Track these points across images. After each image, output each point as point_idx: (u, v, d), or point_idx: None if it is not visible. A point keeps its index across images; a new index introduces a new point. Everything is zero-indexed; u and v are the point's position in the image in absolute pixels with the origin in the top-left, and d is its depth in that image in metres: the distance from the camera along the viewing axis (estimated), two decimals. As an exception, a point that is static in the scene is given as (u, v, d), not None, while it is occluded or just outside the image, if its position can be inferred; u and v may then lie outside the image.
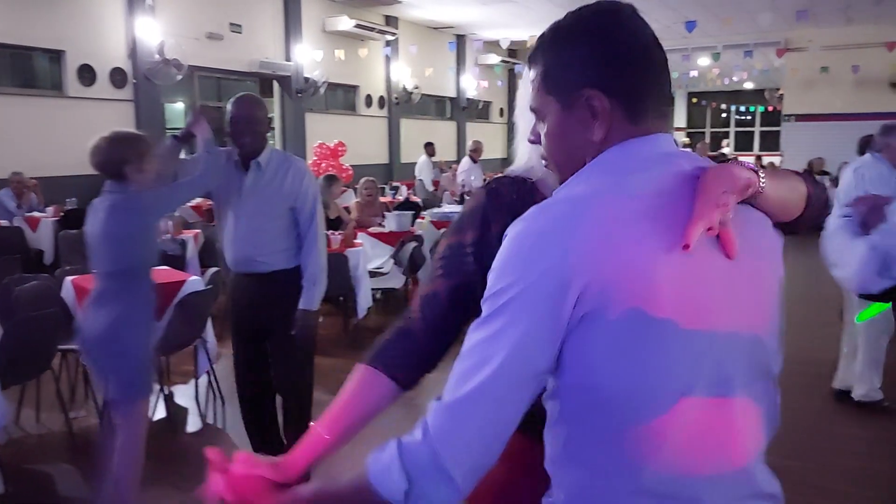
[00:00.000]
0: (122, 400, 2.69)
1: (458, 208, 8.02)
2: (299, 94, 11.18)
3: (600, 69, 0.93)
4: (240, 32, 10.11)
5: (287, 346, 3.00)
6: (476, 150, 9.77)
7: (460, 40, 15.49)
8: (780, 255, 1.00)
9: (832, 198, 0.74)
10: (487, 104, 18.24)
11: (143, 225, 2.67)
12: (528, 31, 13.52)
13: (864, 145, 5.41)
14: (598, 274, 0.82)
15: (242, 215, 2.95)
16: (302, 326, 2.95)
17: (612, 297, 0.82)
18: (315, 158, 10.44)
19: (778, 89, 17.44)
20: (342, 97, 12.96)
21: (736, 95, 20.94)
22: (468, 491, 0.87)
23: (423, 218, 7.54)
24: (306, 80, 11.23)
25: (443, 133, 15.75)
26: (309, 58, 11.25)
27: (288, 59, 11.01)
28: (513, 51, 17.44)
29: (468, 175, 9.70)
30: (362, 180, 7.09)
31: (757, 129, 21.72)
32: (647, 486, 0.87)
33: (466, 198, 9.02)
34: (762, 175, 0.94)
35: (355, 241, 5.96)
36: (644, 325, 0.82)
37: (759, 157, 17.07)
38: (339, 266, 5.42)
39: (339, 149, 10.48)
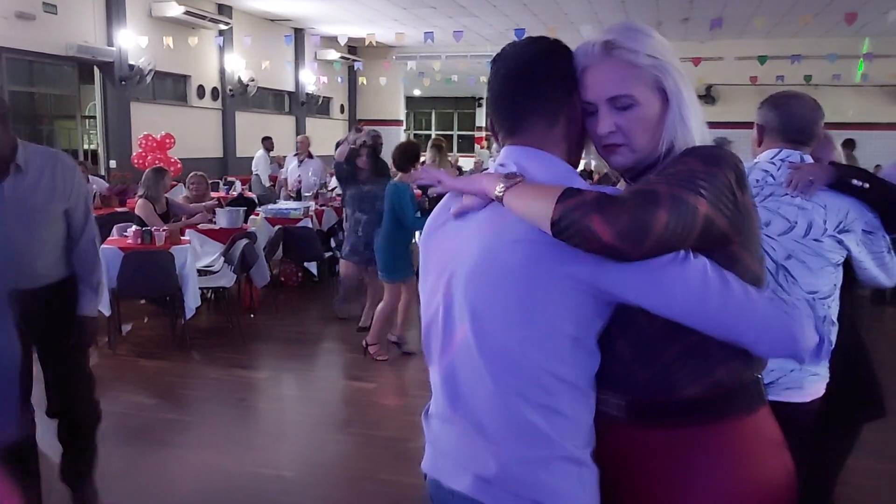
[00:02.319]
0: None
1: (294, 205, 7.92)
2: (123, 82, 10.50)
3: None
4: (54, 13, 9.32)
5: (64, 360, 2.73)
6: (303, 143, 9.77)
7: (298, 34, 15.22)
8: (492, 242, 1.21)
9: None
10: (328, 100, 18.07)
11: None
12: (366, 28, 13.55)
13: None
14: None
15: (11, 226, 2.57)
16: (85, 334, 2.71)
17: None
18: (140, 150, 9.86)
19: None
20: (172, 87, 12.32)
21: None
22: None
23: (257, 214, 7.37)
24: (131, 67, 10.56)
25: (281, 127, 15.42)
26: (134, 44, 10.58)
27: (110, 45, 10.30)
28: (353, 47, 17.41)
29: (305, 169, 9.62)
30: (191, 175, 6.81)
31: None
32: None
33: (305, 194, 8.98)
34: (500, 189, 1.17)
35: (182, 237, 5.72)
36: None
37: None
38: (164, 264, 5.19)
39: (167, 141, 9.95)
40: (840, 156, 2.49)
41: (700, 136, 1.24)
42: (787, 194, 2.00)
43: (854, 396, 2.13)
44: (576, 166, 1.31)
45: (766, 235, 1.97)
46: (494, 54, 1.31)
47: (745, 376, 1.21)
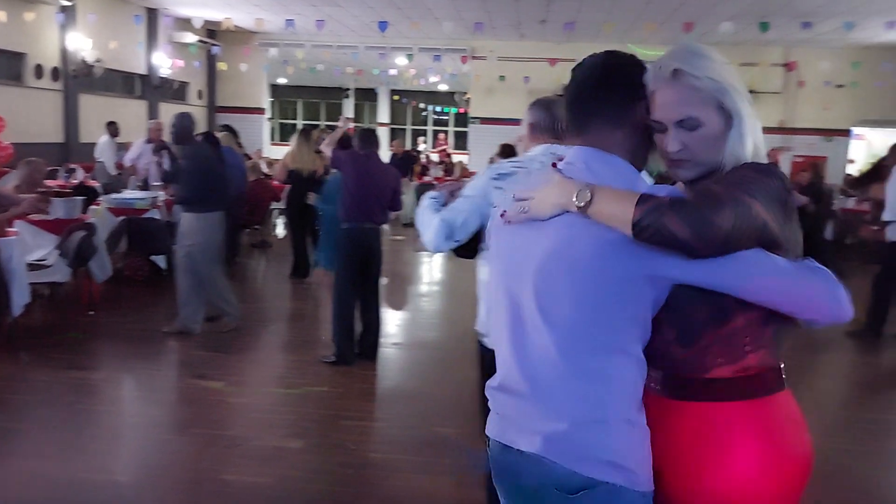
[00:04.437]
0: None
1: (140, 194, 7.52)
2: (-55, 57, 9.54)
3: None
4: None
5: None
6: (156, 131, 9.27)
7: (151, 14, 14.42)
8: (582, 248, 1.33)
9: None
10: (184, 85, 17.24)
11: None
12: (224, 12, 13.07)
13: (508, 150, 5.94)
14: None
15: None
16: None
17: None
18: (-35, 133, 9.00)
19: (466, 93, 19.01)
20: (5, 65, 11.30)
21: (433, 96, 22.32)
22: None
23: (98, 204, 6.94)
24: (-45, 41, 9.61)
25: (132, 112, 14.54)
26: (-42, 15, 9.63)
27: (-71, 15, 9.33)
28: (212, 31, 16.70)
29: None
30: (24, 161, 6.30)
31: (451, 129, 23.38)
32: None
33: (153, 184, 8.51)
34: (577, 201, 1.30)
35: (10, 229, 5.28)
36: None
37: (448, 155, 18.33)
38: (-14, 258, 4.78)
39: (-3, 124, 9.15)
40: None
41: (753, 151, 1.38)
42: None
43: None
44: (640, 170, 1.45)
45: None
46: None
47: (768, 363, 1.38)
